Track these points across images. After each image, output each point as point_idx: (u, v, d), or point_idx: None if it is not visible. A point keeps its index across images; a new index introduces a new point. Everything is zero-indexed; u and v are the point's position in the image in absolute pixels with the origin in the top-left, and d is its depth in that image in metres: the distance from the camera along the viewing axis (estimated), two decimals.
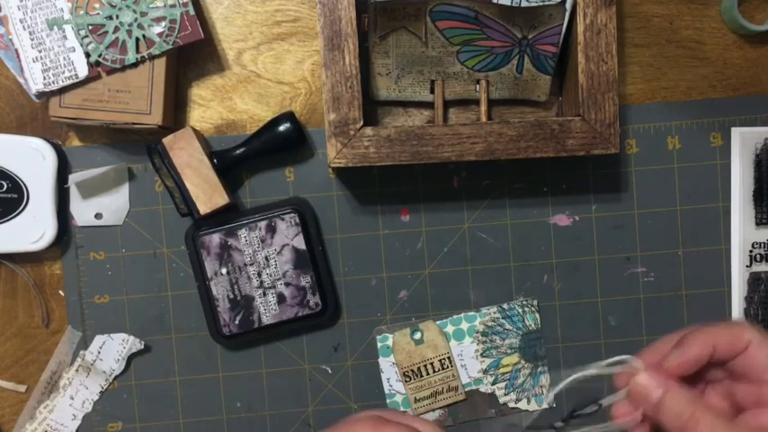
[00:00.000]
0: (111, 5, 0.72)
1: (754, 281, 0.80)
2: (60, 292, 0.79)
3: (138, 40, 0.73)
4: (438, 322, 0.79)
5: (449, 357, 0.79)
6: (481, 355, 0.80)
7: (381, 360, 0.80)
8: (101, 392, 0.79)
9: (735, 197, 0.79)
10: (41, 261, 0.79)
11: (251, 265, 0.77)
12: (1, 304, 0.79)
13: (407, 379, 0.79)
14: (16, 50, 0.73)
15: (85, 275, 0.79)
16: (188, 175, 0.74)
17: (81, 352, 0.79)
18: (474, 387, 0.80)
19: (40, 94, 0.74)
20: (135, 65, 0.73)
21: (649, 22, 0.79)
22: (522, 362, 0.80)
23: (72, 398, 0.79)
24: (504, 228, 0.80)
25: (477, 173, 0.79)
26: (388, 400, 0.80)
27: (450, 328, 0.80)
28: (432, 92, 0.77)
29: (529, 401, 0.80)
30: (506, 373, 0.80)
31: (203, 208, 0.74)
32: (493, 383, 0.80)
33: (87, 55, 0.73)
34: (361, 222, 0.79)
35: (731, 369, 0.54)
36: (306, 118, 0.79)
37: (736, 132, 0.79)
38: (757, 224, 0.79)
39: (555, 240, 0.80)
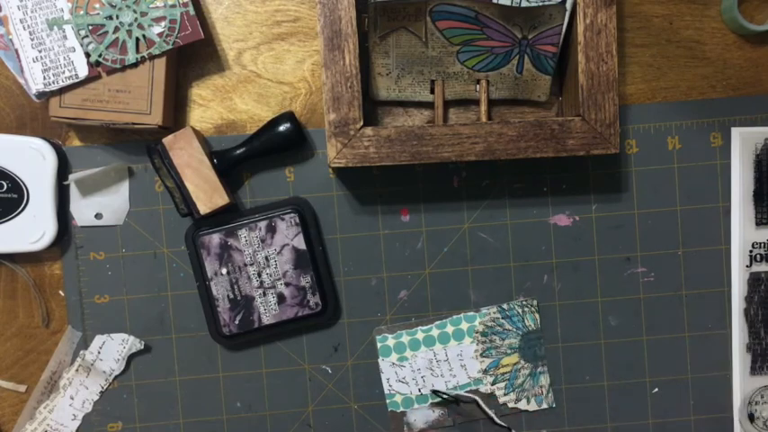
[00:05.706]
0: (111, 5, 0.72)
1: (754, 281, 0.80)
2: (60, 292, 0.79)
3: (138, 40, 0.73)
4: (438, 322, 0.79)
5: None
6: (481, 355, 0.80)
7: (381, 360, 0.80)
8: (101, 392, 0.79)
9: (735, 197, 0.79)
10: (41, 261, 0.79)
11: (251, 265, 0.77)
12: (1, 304, 0.79)
13: None
14: (16, 50, 0.73)
15: (85, 275, 0.79)
16: (188, 175, 0.74)
17: (81, 352, 0.79)
18: (474, 387, 0.80)
19: (40, 94, 0.74)
20: (135, 65, 0.73)
21: (649, 22, 0.79)
22: (522, 362, 0.80)
23: (72, 398, 0.79)
24: (504, 228, 0.80)
25: (477, 173, 0.79)
26: (387, 401, 0.80)
27: (450, 328, 0.80)
28: (432, 92, 0.77)
29: (528, 401, 0.80)
30: (506, 373, 0.80)
31: (203, 208, 0.74)
32: (493, 383, 0.80)
33: (87, 55, 0.73)
34: (361, 222, 0.79)
35: None
36: (306, 118, 0.79)
37: (736, 132, 0.79)
38: (757, 224, 0.79)
39: (555, 240, 0.80)
